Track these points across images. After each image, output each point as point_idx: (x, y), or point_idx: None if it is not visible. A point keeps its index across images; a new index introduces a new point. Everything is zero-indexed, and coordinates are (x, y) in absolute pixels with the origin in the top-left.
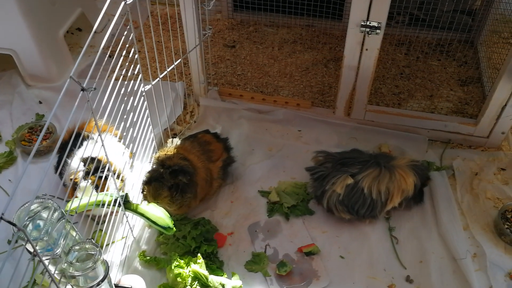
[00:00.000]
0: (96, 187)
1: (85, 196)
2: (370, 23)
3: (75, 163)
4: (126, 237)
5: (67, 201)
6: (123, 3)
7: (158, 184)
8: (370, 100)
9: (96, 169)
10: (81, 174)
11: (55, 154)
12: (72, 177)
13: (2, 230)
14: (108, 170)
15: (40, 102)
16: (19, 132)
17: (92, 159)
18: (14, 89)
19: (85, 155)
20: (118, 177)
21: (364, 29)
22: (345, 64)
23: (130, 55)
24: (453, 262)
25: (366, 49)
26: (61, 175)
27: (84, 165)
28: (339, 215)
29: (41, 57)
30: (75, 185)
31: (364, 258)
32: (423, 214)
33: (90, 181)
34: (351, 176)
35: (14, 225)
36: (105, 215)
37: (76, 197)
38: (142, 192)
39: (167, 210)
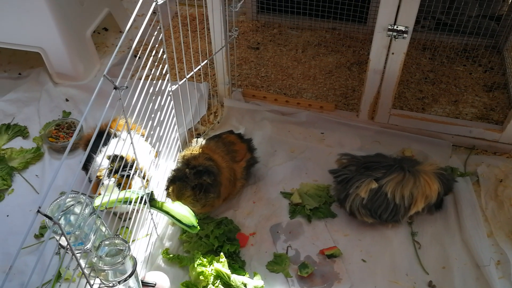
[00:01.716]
0: (119, 185)
1: (109, 194)
2: (397, 27)
3: (101, 161)
4: (150, 234)
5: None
6: (154, 3)
7: (182, 184)
8: (394, 104)
9: (122, 167)
10: (105, 171)
11: (87, 152)
12: (98, 174)
13: (29, 224)
14: (135, 169)
15: (67, 100)
16: (46, 129)
17: (117, 157)
18: (41, 87)
19: (111, 153)
20: (143, 176)
21: (391, 33)
22: (370, 68)
23: (159, 55)
24: (477, 269)
25: (392, 53)
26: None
27: (110, 163)
28: (362, 219)
29: (68, 55)
30: (98, 182)
31: (386, 262)
32: (446, 219)
33: (114, 179)
34: (375, 181)
35: (50, 218)
36: (128, 212)
37: (100, 194)
38: (167, 190)
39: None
